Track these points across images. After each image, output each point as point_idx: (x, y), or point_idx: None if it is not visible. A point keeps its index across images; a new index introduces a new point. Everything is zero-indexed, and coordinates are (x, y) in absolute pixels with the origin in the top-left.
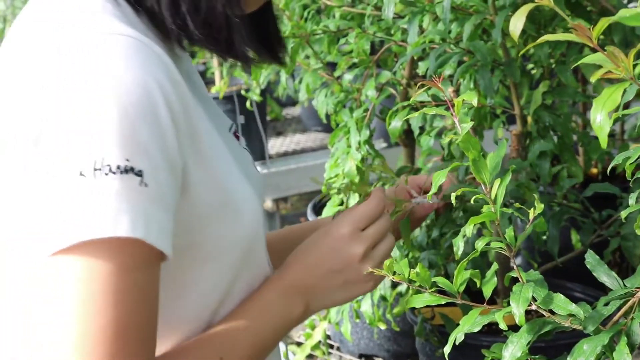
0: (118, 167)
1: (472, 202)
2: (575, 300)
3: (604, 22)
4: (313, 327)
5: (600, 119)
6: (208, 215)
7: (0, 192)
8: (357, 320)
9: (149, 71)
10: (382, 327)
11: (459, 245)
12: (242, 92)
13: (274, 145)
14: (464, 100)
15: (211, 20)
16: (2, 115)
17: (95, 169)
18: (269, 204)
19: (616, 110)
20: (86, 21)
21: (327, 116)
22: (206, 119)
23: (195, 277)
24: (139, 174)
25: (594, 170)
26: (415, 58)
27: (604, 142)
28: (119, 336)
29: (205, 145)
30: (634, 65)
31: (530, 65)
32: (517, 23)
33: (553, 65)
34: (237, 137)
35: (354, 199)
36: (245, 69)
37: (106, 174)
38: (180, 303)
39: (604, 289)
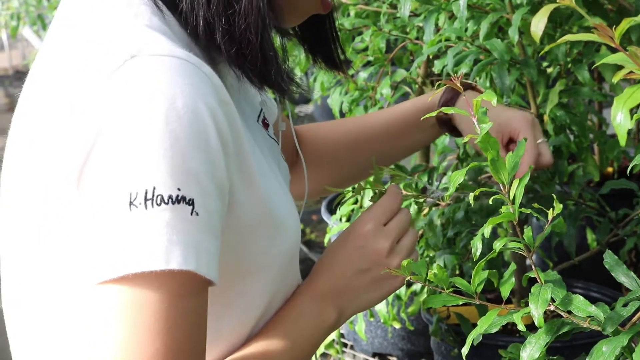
0: (170, 197)
1: (490, 202)
2: (591, 299)
3: (626, 23)
4: None
5: (621, 117)
6: (251, 232)
7: (42, 214)
8: (372, 319)
9: (200, 95)
10: (397, 326)
11: (477, 246)
12: None
13: None
14: (482, 99)
15: (245, 51)
16: (46, 136)
17: (146, 199)
18: None
19: (636, 109)
20: (135, 42)
21: (342, 114)
22: (250, 136)
23: (237, 294)
24: (190, 203)
25: (610, 169)
26: (431, 56)
27: (622, 139)
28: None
29: (251, 165)
30: None
31: (546, 64)
32: (538, 24)
33: (569, 64)
34: (266, 126)
35: (367, 197)
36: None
37: (158, 204)
38: (222, 322)
39: (619, 289)
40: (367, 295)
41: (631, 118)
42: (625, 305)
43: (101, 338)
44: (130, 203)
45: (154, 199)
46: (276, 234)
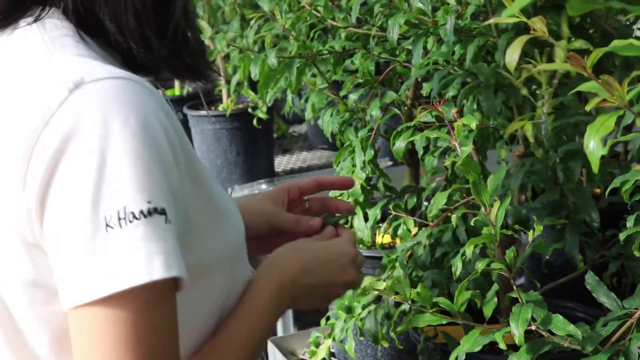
0: (141, 212)
1: (472, 223)
2: (577, 320)
3: (597, 53)
4: (317, 345)
5: (593, 145)
6: (205, 228)
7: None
8: (361, 338)
9: (149, 110)
10: (386, 345)
11: (457, 266)
12: (249, 110)
13: (281, 162)
14: (464, 123)
15: (183, 53)
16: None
17: (119, 219)
18: None
19: (611, 134)
20: (73, 71)
21: (333, 135)
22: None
23: (197, 293)
24: (163, 212)
25: (597, 190)
26: (420, 79)
27: (595, 167)
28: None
29: (198, 168)
30: (629, 91)
31: (535, 87)
32: (512, 54)
33: (556, 86)
34: None
35: (358, 218)
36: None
37: (130, 221)
38: (185, 321)
39: (605, 309)
40: (315, 300)
41: (604, 145)
42: (605, 324)
43: (84, 354)
44: (107, 225)
45: (126, 217)
46: (225, 228)
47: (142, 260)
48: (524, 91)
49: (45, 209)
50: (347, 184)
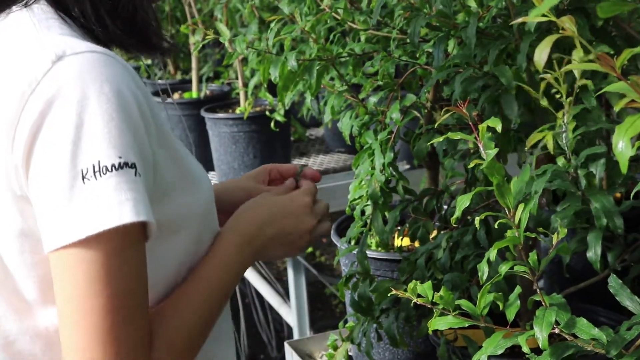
0: (113, 165)
1: (495, 226)
2: (598, 324)
3: (627, 53)
4: (335, 348)
5: (622, 146)
6: (173, 189)
7: None
8: (380, 342)
9: (122, 81)
10: (405, 348)
11: (483, 271)
12: (267, 113)
13: None
14: (488, 125)
15: (138, 29)
16: None
17: (94, 171)
18: None
19: (639, 137)
20: (56, 46)
21: (352, 138)
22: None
23: (166, 252)
24: (133, 166)
25: (618, 195)
26: (440, 81)
27: (624, 167)
28: (126, 301)
29: (167, 134)
30: None
31: (555, 90)
32: (541, 54)
33: (577, 90)
34: None
35: (377, 221)
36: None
37: (104, 173)
38: (160, 270)
39: (627, 313)
40: (277, 251)
41: (632, 146)
42: (629, 328)
43: (62, 294)
44: (83, 177)
45: (100, 170)
46: (194, 190)
47: (114, 206)
48: (544, 102)
49: (30, 164)
50: (315, 177)
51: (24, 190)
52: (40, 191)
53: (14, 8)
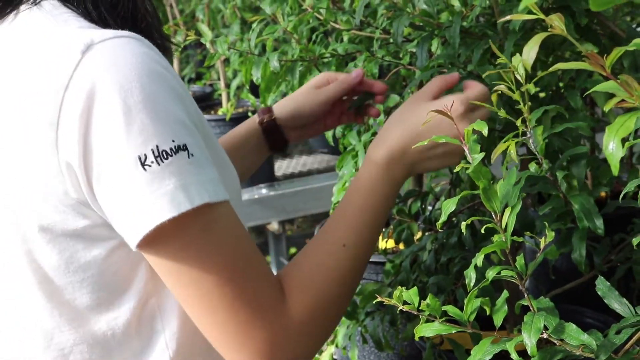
0: (171, 149)
1: (482, 230)
2: (585, 325)
3: (617, 52)
4: (320, 352)
5: (613, 147)
6: (222, 169)
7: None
8: (365, 345)
9: (155, 60)
10: (390, 352)
11: (470, 277)
12: (249, 114)
13: (281, 166)
14: (473, 128)
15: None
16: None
17: (155, 157)
18: (274, 225)
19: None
20: (81, 38)
21: (335, 139)
22: None
23: None
24: (184, 148)
25: (602, 194)
26: (424, 82)
27: (615, 168)
28: (248, 267)
29: (201, 113)
30: None
31: (538, 89)
32: (530, 52)
33: (562, 90)
34: None
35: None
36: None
37: (165, 158)
38: None
39: (613, 314)
40: (432, 163)
41: (623, 146)
42: (618, 332)
43: (172, 281)
44: (143, 164)
45: (161, 155)
46: (227, 173)
47: (179, 190)
48: (502, 113)
49: (91, 162)
50: (382, 89)
51: (79, 192)
52: (111, 185)
53: (22, 7)
